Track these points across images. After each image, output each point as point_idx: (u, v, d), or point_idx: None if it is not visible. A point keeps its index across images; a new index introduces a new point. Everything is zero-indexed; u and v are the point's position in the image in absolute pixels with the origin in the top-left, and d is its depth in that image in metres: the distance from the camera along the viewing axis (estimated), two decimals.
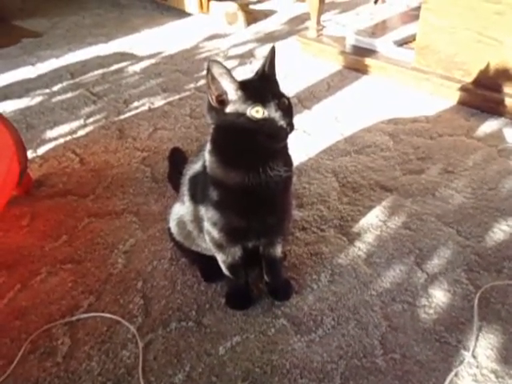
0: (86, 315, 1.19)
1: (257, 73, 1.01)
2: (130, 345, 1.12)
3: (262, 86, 0.96)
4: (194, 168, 1.17)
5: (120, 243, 1.41)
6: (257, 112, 0.92)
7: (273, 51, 0.99)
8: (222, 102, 0.96)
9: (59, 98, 2.26)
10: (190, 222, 1.18)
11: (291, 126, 0.95)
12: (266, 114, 0.93)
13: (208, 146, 1.04)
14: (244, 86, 0.95)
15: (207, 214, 1.08)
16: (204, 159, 1.07)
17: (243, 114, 0.93)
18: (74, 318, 1.19)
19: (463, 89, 2.05)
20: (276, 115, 0.93)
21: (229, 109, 0.95)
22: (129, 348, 1.11)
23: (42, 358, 1.10)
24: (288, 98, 0.98)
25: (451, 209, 1.50)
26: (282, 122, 0.93)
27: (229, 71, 0.93)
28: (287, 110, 0.96)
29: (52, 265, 1.35)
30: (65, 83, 2.39)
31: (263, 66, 1.00)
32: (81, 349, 1.12)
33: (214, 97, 0.96)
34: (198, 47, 2.78)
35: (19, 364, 1.09)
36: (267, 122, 0.93)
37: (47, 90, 2.33)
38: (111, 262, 1.35)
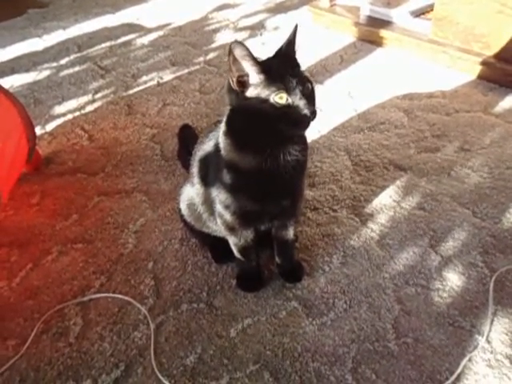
0: (97, 295, 1.20)
1: (278, 53, 0.96)
2: (141, 326, 1.12)
3: (285, 70, 0.91)
4: (204, 149, 1.14)
5: (130, 223, 1.40)
6: (280, 98, 0.89)
7: (295, 30, 0.95)
8: (243, 83, 0.92)
9: (67, 71, 2.22)
10: (200, 204, 1.16)
11: (314, 114, 0.91)
12: (290, 100, 0.89)
13: (223, 128, 1.00)
14: (266, 68, 0.90)
15: (219, 196, 1.06)
16: (216, 140, 1.05)
17: (266, 100, 0.89)
18: (85, 299, 1.19)
19: (482, 62, 1.98)
20: (300, 103, 0.89)
21: (249, 92, 0.91)
22: (140, 329, 1.12)
23: (55, 338, 1.11)
24: (311, 82, 0.94)
25: (467, 189, 1.46)
26: (306, 111, 0.89)
27: (251, 53, 0.88)
28: (311, 96, 0.92)
29: (63, 244, 1.35)
30: (72, 56, 2.35)
31: (285, 45, 0.95)
32: (93, 329, 1.12)
33: (234, 79, 0.91)
34: (206, 18, 2.70)
35: (32, 344, 1.10)
36: (291, 109, 0.90)
37: (54, 64, 2.29)
38: (122, 242, 1.34)
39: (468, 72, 2.02)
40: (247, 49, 0.87)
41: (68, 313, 1.16)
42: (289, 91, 0.89)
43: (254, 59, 0.89)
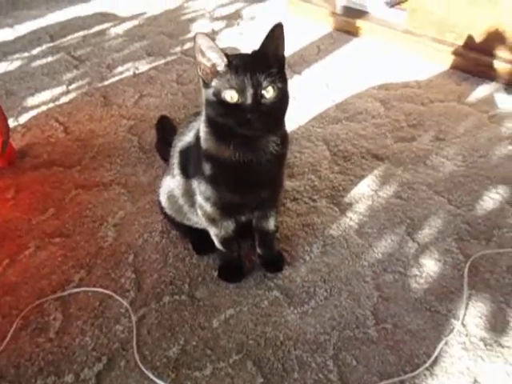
0: (77, 290, 1.18)
1: (255, 50, 0.95)
2: (123, 319, 1.12)
3: (249, 69, 0.89)
4: (184, 140, 1.13)
5: (109, 216, 1.38)
6: (231, 98, 0.89)
7: (274, 29, 0.90)
8: (213, 73, 0.92)
9: (39, 62, 2.17)
10: (180, 195, 1.16)
11: (262, 123, 0.90)
12: (240, 101, 0.89)
13: (203, 118, 1.00)
14: (232, 62, 0.90)
15: (200, 188, 1.06)
16: (197, 131, 1.04)
17: (219, 94, 0.90)
18: (65, 293, 1.18)
19: (455, 52, 2.01)
20: (248, 107, 0.88)
21: (214, 82, 0.92)
22: (122, 322, 1.11)
23: (35, 333, 1.10)
24: (279, 87, 0.91)
25: (442, 177, 1.49)
26: (250, 116, 0.88)
27: (216, 45, 0.90)
28: (267, 102, 0.90)
29: (40, 239, 1.32)
30: (44, 46, 2.29)
31: (261, 44, 0.93)
32: (73, 324, 1.11)
33: (202, 66, 0.93)
34: (182, 7, 2.67)
35: (12, 340, 1.08)
36: (237, 110, 0.89)
37: (26, 54, 2.23)
38: (101, 236, 1.33)
39: (442, 62, 2.05)
40: (212, 40, 0.89)
41: (47, 308, 1.15)
42: (241, 92, 0.88)
43: (220, 50, 0.90)
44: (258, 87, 0.88)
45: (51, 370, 1.03)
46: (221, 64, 0.90)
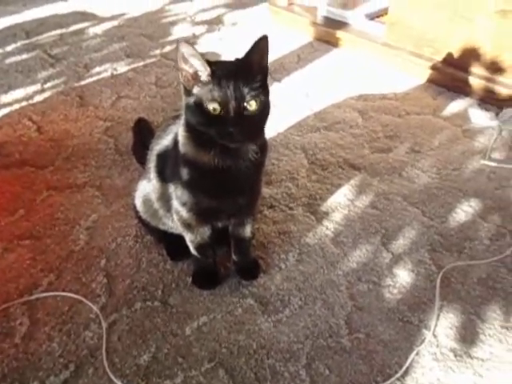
0: (45, 294, 1.15)
1: (239, 59, 0.94)
2: (92, 325, 1.09)
3: (232, 80, 0.88)
4: (162, 143, 1.12)
5: (82, 219, 1.35)
6: (213, 110, 0.89)
7: (259, 41, 0.90)
8: (195, 79, 0.92)
9: (13, 59, 2.12)
10: (156, 200, 1.14)
11: (243, 135, 0.90)
12: (222, 113, 0.89)
13: (182, 122, 0.99)
14: (215, 71, 0.89)
15: (176, 192, 1.05)
16: (175, 135, 1.03)
17: (201, 104, 0.90)
18: (32, 297, 1.14)
19: (432, 67, 2.05)
20: (230, 119, 0.88)
21: (195, 89, 0.92)
22: (92, 328, 1.08)
23: None
24: (263, 100, 0.92)
25: (417, 189, 1.52)
26: (232, 129, 0.89)
27: (199, 53, 0.90)
28: (251, 115, 0.90)
29: (9, 241, 1.28)
30: (19, 43, 2.25)
31: (246, 54, 0.92)
32: (40, 329, 1.08)
33: (184, 72, 0.92)
34: (163, 10, 2.65)
35: None
36: (219, 121, 0.89)
37: (0, 50, 2.18)
38: (72, 239, 1.29)
39: (419, 75, 2.09)
40: (195, 49, 0.89)
41: (14, 312, 1.11)
42: (223, 105, 0.88)
43: (203, 59, 0.89)
44: (240, 100, 0.88)
45: (15, 377, 0.99)
46: (204, 72, 0.90)
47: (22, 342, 1.05)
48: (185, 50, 0.89)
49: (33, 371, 1.00)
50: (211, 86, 0.89)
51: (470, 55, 1.95)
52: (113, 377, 0.99)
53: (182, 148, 0.99)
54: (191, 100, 0.92)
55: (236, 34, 2.39)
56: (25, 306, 1.13)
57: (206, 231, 1.11)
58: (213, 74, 0.89)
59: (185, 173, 1.00)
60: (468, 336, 1.10)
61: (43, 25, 2.41)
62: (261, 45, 0.91)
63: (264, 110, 0.93)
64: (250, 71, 0.91)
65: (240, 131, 0.89)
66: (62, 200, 1.41)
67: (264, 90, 0.92)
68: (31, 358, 1.02)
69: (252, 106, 0.90)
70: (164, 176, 1.09)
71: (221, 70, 0.90)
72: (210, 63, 0.90)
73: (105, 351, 1.03)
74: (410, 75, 2.10)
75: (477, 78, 1.94)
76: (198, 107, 0.90)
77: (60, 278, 1.19)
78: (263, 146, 1.01)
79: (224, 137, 0.90)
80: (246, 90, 0.88)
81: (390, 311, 1.15)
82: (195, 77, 0.91)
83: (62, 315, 1.11)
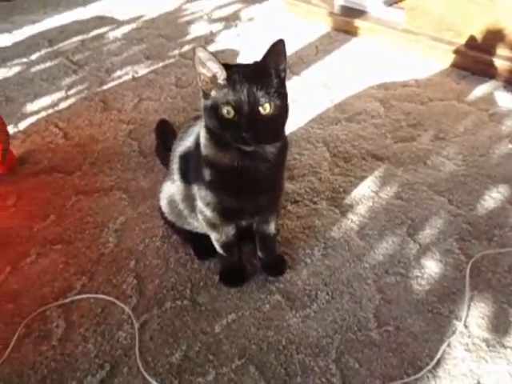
0: (79, 297, 1.19)
1: (254, 63, 0.94)
2: (125, 325, 1.12)
3: (247, 84, 0.89)
4: (184, 145, 1.14)
5: (110, 221, 1.39)
6: (227, 113, 0.90)
7: (275, 44, 0.90)
8: (213, 82, 0.93)
9: (38, 67, 2.17)
10: (181, 201, 1.16)
11: (257, 140, 0.91)
12: (236, 117, 0.89)
13: (203, 122, 1.00)
14: (231, 75, 0.90)
15: (200, 193, 1.06)
16: (196, 136, 1.05)
17: (217, 108, 0.91)
18: (67, 300, 1.18)
19: (454, 51, 2.01)
20: (243, 124, 0.89)
21: (213, 93, 0.93)
22: (124, 329, 1.11)
23: (38, 341, 1.10)
24: (278, 104, 0.92)
25: (443, 177, 1.49)
26: (245, 134, 0.89)
27: (215, 57, 0.91)
28: (265, 119, 0.90)
29: (41, 246, 1.33)
30: (43, 51, 2.30)
31: (262, 57, 0.92)
32: (76, 331, 1.11)
33: (202, 76, 0.94)
34: (180, 9, 2.67)
35: (14, 348, 1.08)
36: (233, 125, 0.90)
37: (25, 59, 2.24)
38: (102, 242, 1.33)
39: (441, 60, 2.04)
40: (211, 53, 0.90)
41: (50, 315, 1.15)
42: (237, 109, 0.89)
43: (219, 62, 0.90)
44: (254, 104, 0.89)
45: (54, 377, 1.03)
46: (220, 76, 0.91)
47: (59, 344, 1.09)
48: (201, 54, 0.90)
49: (70, 372, 1.04)
50: (226, 90, 0.90)
51: (494, 36, 1.90)
52: (147, 375, 1.01)
53: (203, 149, 1.00)
54: (209, 103, 0.93)
55: (253, 29, 2.38)
56: (60, 308, 1.16)
57: (230, 230, 1.12)
58: (228, 78, 0.90)
59: (207, 174, 1.01)
60: (500, 325, 1.08)
61: (64, 32, 2.46)
62: (276, 49, 0.91)
63: (280, 113, 0.93)
64: (266, 75, 0.91)
65: (254, 135, 0.89)
66: (90, 204, 1.45)
67: (280, 94, 0.92)
68: (68, 359, 1.06)
69: (266, 109, 0.90)
70: (187, 177, 1.11)
71: (236, 74, 0.90)
72: (226, 66, 0.91)
73: (138, 350, 1.06)
74: (431, 61, 2.06)
75: (501, 59, 1.89)
76: (214, 110, 0.91)
77: (92, 280, 1.23)
78: (283, 147, 1.01)
79: (238, 140, 0.91)
80: (260, 94, 0.89)
81: (419, 303, 1.14)
82: (214, 80, 0.92)
83: (96, 317, 1.14)
